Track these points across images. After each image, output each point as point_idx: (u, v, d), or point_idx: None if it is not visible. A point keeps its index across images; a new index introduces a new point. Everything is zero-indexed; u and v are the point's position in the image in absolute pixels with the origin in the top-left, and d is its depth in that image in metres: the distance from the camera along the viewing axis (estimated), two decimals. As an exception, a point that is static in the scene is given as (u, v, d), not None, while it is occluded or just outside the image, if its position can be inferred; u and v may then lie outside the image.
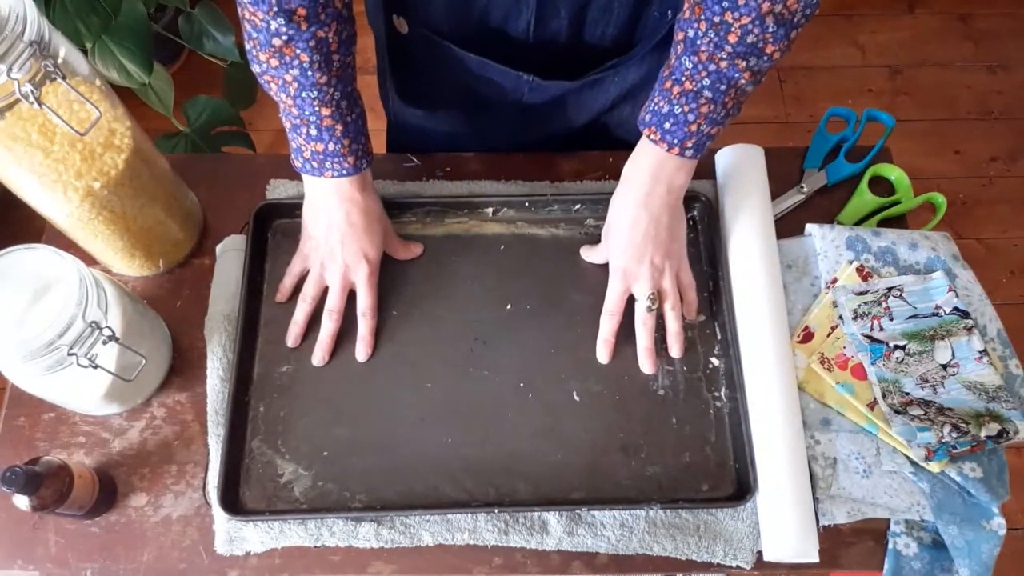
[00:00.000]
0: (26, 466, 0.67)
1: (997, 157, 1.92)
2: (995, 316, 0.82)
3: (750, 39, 0.64)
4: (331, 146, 0.73)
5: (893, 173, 0.92)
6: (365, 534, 0.75)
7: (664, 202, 0.76)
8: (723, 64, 0.66)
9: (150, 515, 0.77)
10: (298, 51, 0.67)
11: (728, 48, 0.65)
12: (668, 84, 0.70)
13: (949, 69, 2.04)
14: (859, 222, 0.90)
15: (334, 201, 0.78)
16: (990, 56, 2.05)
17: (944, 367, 0.79)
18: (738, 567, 0.75)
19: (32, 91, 0.61)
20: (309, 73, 0.68)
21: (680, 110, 0.70)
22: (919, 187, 0.91)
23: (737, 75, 0.67)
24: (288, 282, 0.84)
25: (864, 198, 0.90)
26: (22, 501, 0.67)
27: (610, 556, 0.75)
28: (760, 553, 0.75)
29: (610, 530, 0.75)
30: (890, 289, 0.82)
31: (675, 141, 0.72)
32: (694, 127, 0.70)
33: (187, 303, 0.86)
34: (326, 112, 0.71)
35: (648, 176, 0.75)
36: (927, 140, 1.94)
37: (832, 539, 0.76)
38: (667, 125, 0.71)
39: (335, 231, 0.79)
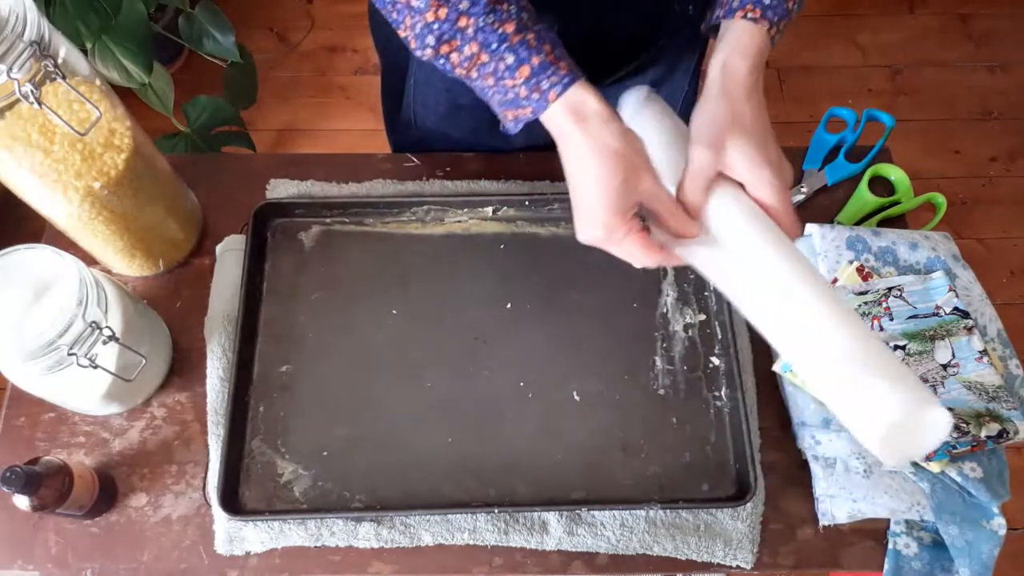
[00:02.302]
0: (26, 466, 0.67)
1: (997, 157, 1.92)
2: (995, 316, 0.82)
3: None
4: (535, 59, 0.59)
5: (893, 173, 0.92)
6: (365, 534, 0.75)
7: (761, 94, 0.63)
8: None
9: (150, 515, 0.77)
10: None
11: None
12: None
13: (949, 69, 2.04)
14: (859, 222, 0.90)
15: (571, 129, 0.59)
16: (990, 56, 2.05)
17: (944, 367, 0.79)
18: (738, 567, 0.75)
19: (32, 91, 0.61)
20: None
21: None
22: (919, 187, 0.91)
23: None
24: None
25: (864, 198, 0.90)
26: (22, 501, 0.67)
27: (610, 556, 0.75)
28: (759, 554, 0.75)
29: (610, 530, 0.75)
30: (890, 289, 0.82)
31: (775, 17, 0.62)
32: (789, 3, 0.63)
33: (187, 303, 0.86)
34: (510, 28, 0.60)
35: (753, 62, 0.62)
36: (927, 140, 1.93)
37: (832, 539, 0.76)
38: (766, 0, 0.62)
39: (594, 168, 0.59)
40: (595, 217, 0.58)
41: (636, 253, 0.59)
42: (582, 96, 0.59)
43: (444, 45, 0.61)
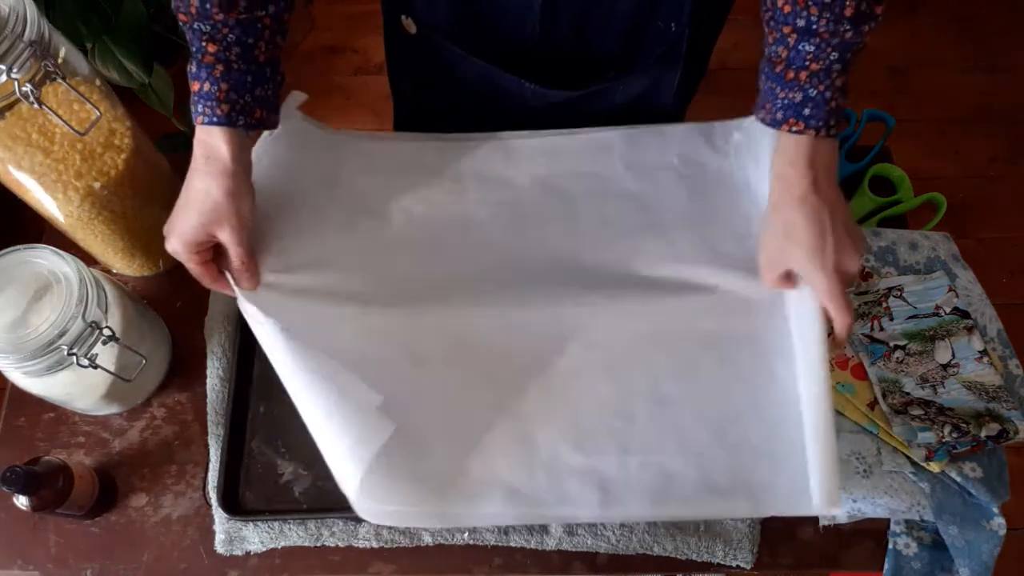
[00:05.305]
0: (26, 466, 0.67)
1: (997, 157, 1.92)
2: (995, 316, 0.82)
3: (863, 6, 0.64)
4: (206, 85, 0.66)
5: (893, 173, 0.92)
6: (365, 534, 0.75)
7: (836, 188, 0.69)
8: (848, 35, 0.65)
9: (150, 515, 0.77)
10: None
11: (847, 23, 0.64)
12: (791, 74, 0.67)
13: (949, 69, 2.03)
14: (859, 222, 0.90)
15: (198, 159, 0.67)
16: (990, 56, 2.05)
17: (944, 367, 0.79)
18: (738, 567, 0.75)
19: (32, 91, 0.62)
20: (207, 5, 0.65)
21: (815, 91, 0.67)
22: (919, 187, 0.91)
23: (860, 40, 0.66)
24: None
25: (864, 198, 0.90)
26: (22, 501, 0.67)
27: (610, 556, 0.75)
28: (760, 554, 0.75)
29: (610, 530, 0.75)
30: (890, 289, 0.82)
31: (819, 124, 0.67)
32: (833, 104, 0.67)
33: (187, 303, 0.86)
34: (211, 49, 0.66)
35: (803, 167, 0.68)
36: (927, 140, 1.93)
37: (832, 539, 0.76)
38: (807, 111, 0.67)
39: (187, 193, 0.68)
40: (170, 232, 0.66)
41: (196, 275, 0.69)
42: (216, 140, 0.66)
43: (181, 14, 0.67)
